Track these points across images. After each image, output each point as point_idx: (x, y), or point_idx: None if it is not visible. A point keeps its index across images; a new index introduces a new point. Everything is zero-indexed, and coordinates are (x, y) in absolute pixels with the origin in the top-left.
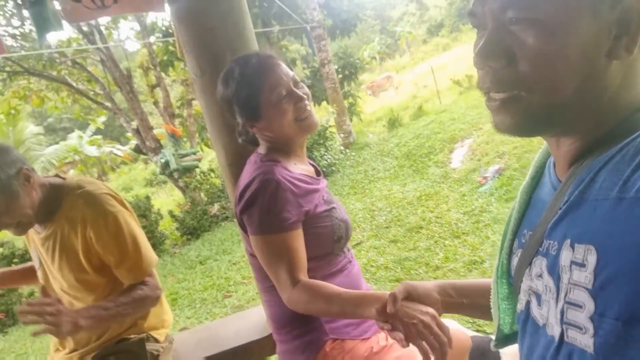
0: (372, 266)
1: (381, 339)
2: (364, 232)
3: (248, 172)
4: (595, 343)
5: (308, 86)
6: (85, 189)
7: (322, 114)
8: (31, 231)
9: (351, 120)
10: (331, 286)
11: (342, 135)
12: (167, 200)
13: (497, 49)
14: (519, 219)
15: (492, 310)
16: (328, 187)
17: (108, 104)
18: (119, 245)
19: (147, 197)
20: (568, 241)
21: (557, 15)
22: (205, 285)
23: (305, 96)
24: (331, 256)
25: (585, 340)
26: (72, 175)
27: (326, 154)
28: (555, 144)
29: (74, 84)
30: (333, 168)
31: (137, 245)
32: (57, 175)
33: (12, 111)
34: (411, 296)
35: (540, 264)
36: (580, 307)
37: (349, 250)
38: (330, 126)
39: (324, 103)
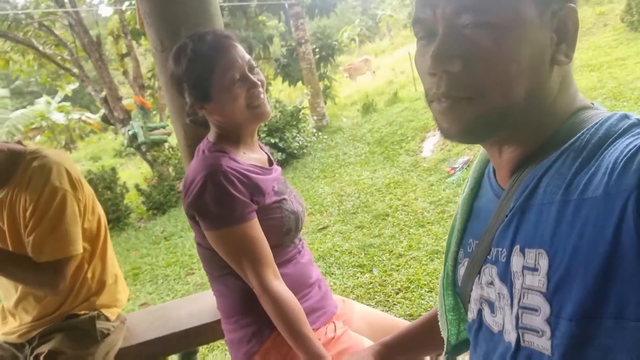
0: (337, 251)
1: (329, 330)
2: (331, 217)
3: (195, 164)
4: (553, 345)
5: (283, 65)
6: (42, 154)
7: (296, 95)
8: None
9: (325, 102)
10: (300, 317)
11: (315, 117)
12: (136, 172)
13: (454, 53)
14: (462, 230)
15: (439, 323)
16: (283, 174)
17: (76, 71)
18: (39, 216)
19: (113, 169)
20: (517, 247)
21: (510, 20)
22: (168, 262)
23: (259, 83)
24: (280, 248)
25: (542, 343)
26: (35, 143)
27: (298, 135)
28: (497, 152)
29: (41, 48)
30: (304, 150)
31: (56, 227)
32: (19, 142)
33: None
34: None
35: (490, 272)
36: (536, 310)
37: (300, 240)
38: (303, 107)
39: (299, 83)
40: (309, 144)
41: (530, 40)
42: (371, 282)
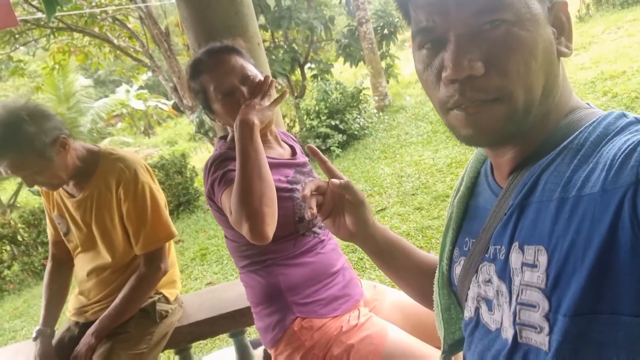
0: (394, 233)
1: (352, 317)
2: (390, 199)
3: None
4: (551, 340)
5: (344, 46)
6: (121, 155)
7: (359, 75)
8: (58, 198)
9: (388, 82)
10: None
11: (377, 97)
12: (207, 156)
13: (474, 56)
14: (457, 229)
15: (436, 323)
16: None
17: (147, 61)
18: (141, 211)
19: (183, 155)
20: (516, 244)
21: (525, 15)
22: None
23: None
24: (296, 236)
25: (540, 339)
26: (117, 129)
27: (359, 116)
28: (500, 152)
29: (115, 41)
30: (365, 131)
31: (157, 216)
32: (92, 144)
33: (56, 66)
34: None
35: (487, 270)
36: (534, 306)
37: (322, 228)
38: (364, 88)
39: (361, 63)
40: (370, 125)
41: (542, 35)
42: None
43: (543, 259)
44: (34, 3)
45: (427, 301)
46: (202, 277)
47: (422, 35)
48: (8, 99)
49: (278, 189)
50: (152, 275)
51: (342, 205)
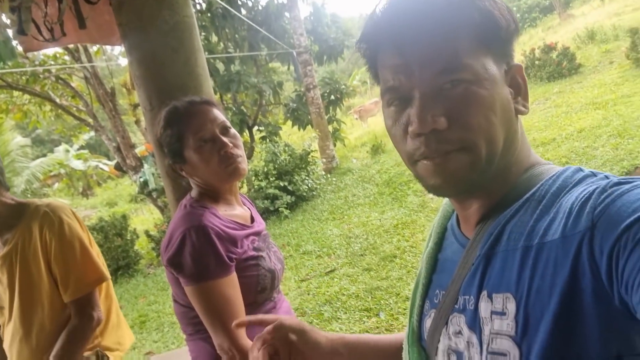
0: (344, 295)
1: None
2: (339, 260)
3: (176, 219)
4: None
5: (293, 109)
6: (48, 202)
7: (307, 138)
8: None
9: (335, 145)
10: None
11: (324, 159)
12: (149, 217)
13: (437, 112)
14: (427, 283)
15: None
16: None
17: (90, 121)
18: (68, 251)
19: (124, 216)
20: (485, 293)
21: (482, 76)
22: None
23: (230, 144)
24: (254, 305)
25: None
26: (53, 190)
27: (307, 178)
28: (466, 205)
29: (57, 100)
30: (314, 193)
31: (86, 257)
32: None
33: None
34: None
35: (458, 321)
36: (505, 355)
37: (278, 292)
38: (312, 151)
39: (309, 127)
40: (318, 186)
41: (499, 94)
42: (377, 327)
43: (511, 307)
44: None
45: None
46: (141, 345)
47: (389, 93)
48: None
49: (247, 258)
50: (84, 325)
51: (291, 345)
